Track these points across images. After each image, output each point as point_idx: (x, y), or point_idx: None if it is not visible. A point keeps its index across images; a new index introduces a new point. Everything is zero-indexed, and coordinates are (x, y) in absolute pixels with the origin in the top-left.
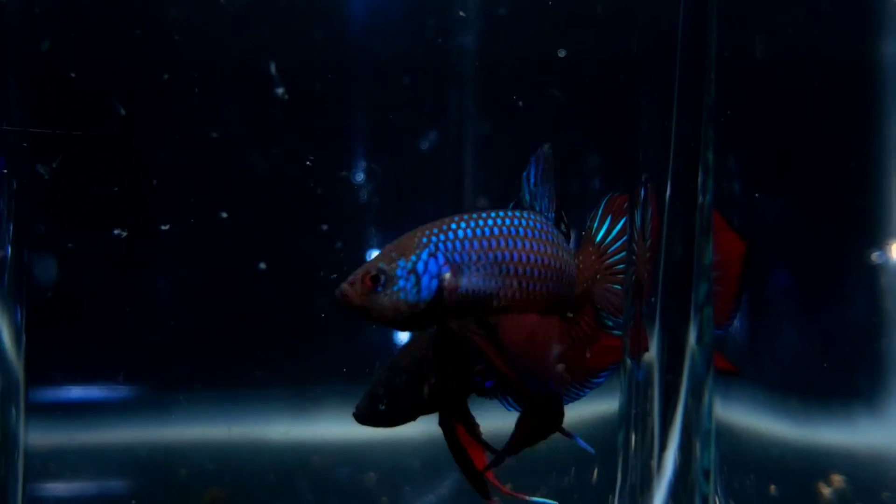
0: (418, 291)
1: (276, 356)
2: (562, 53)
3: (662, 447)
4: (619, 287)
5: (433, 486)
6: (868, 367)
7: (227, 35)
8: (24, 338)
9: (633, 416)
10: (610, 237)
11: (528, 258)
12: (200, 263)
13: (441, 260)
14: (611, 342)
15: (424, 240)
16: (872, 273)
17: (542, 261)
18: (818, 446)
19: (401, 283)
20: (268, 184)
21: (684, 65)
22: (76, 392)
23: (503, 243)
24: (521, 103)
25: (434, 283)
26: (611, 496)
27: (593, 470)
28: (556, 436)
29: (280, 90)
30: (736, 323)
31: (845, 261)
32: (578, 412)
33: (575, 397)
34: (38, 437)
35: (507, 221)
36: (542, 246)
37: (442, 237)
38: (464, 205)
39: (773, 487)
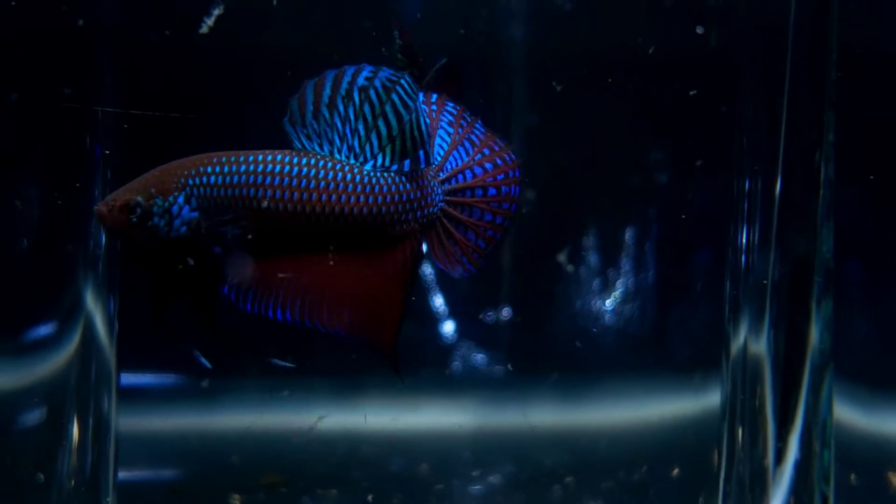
0: (169, 231)
1: (322, 346)
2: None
3: (780, 445)
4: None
5: (483, 476)
6: None
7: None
8: (116, 326)
9: (738, 410)
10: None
11: (291, 207)
12: None
13: (193, 204)
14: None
15: (182, 180)
16: None
17: (314, 209)
18: (886, 435)
19: (155, 219)
20: None
21: (800, 44)
22: (129, 379)
23: (257, 193)
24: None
25: (183, 228)
26: (701, 495)
27: (672, 465)
28: (620, 431)
29: None
30: None
31: None
32: (644, 413)
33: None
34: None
35: (276, 168)
36: (318, 195)
37: (199, 180)
38: None
39: (853, 476)
